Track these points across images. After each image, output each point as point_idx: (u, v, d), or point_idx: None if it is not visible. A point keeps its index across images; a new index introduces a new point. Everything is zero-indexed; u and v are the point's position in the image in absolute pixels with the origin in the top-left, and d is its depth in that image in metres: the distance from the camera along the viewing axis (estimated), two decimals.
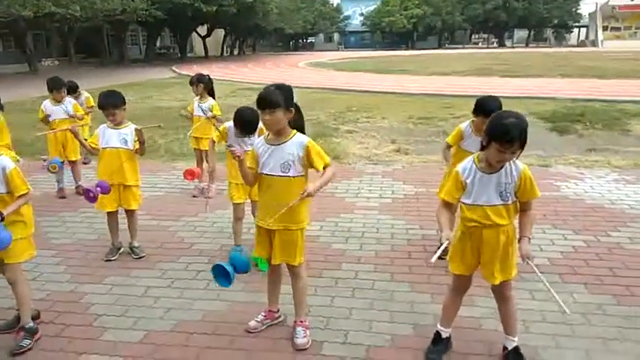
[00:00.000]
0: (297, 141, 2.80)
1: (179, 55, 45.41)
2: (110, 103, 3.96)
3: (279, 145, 2.81)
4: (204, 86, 5.74)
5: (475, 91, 12.64)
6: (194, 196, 5.79)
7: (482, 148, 2.54)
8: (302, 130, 2.91)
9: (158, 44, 52.22)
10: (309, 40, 79.17)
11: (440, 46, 68.25)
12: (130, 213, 4.29)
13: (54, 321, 3.27)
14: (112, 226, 4.28)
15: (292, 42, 73.40)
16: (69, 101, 6.02)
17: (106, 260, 4.16)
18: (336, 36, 79.37)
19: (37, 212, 5.38)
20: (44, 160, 4.81)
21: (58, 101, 5.93)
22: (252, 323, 3.14)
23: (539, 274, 2.46)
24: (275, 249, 2.95)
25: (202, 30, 46.57)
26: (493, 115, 2.53)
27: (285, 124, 2.79)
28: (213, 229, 4.83)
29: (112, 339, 3.07)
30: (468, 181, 2.60)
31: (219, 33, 49.84)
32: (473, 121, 3.83)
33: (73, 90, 6.81)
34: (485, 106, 3.59)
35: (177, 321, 3.26)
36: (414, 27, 64.74)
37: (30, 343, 2.93)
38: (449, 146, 4.05)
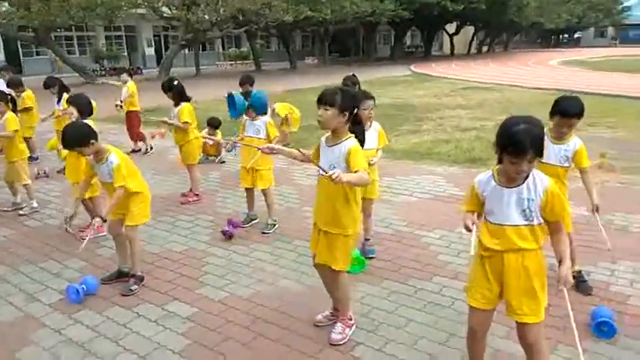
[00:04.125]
0: (345, 144, 2.82)
1: (424, 53, 46.17)
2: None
3: (331, 146, 2.88)
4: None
5: None
6: None
7: (499, 160, 2.22)
8: (359, 136, 2.91)
9: (408, 43, 54.16)
10: (575, 36, 70.48)
11: None
12: (262, 192, 4.93)
13: (176, 270, 4.09)
14: (249, 199, 5.05)
15: (553, 38, 66.49)
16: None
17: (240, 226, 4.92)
18: (609, 30, 68.53)
19: (221, 186, 6.61)
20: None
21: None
22: (318, 317, 3.26)
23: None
24: (319, 249, 3.01)
25: (451, 28, 46.30)
26: (502, 123, 2.21)
27: (338, 125, 2.82)
28: None
29: (202, 293, 3.70)
30: (485, 194, 2.33)
31: (469, 30, 48.68)
32: (550, 128, 3.31)
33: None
34: (560, 105, 3.20)
35: (257, 292, 3.70)
36: None
37: (137, 288, 3.74)
38: None
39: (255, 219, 5.06)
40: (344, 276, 3.08)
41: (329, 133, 2.92)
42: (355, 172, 2.72)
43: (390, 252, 4.34)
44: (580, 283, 3.56)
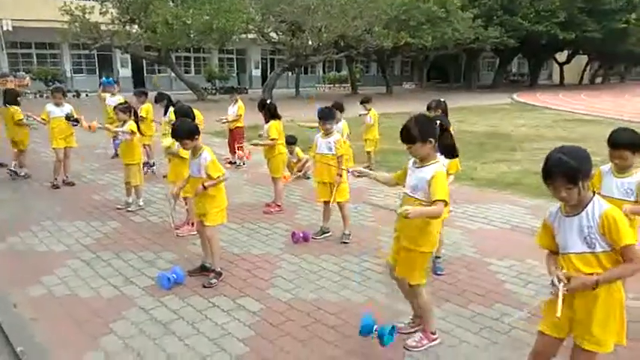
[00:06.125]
0: (431, 168, 2.99)
1: (530, 82, 44.11)
2: (325, 117, 5.07)
3: (419, 167, 3.06)
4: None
5: None
6: None
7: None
8: (452, 150, 3.13)
9: (514, 71, 52.13)
10: None
11: None
12: (339, 205, 5.24)
13: (251, 270, 4.49)
14: (325, 212, 5.38)
15: None
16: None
17: (312, 237, 5.26)
18: None
19: (301, 200, 6.97)
20: None
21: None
22: (400, 325, 3.42)
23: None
24: (399, 263, 3.19)
25: (562, 56, 43.93)
26: None
27: (427, 152, 3.00)
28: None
29: (270, 293, 4.04)
30: (554, 224, 2.44)
31: (582, 59, 45.81)
32: None
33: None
34: (610, 136, 3.23)
35: (319, 298, 3.96)
36: None
37: (216, 282, 4.18)
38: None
39: (327, 232, 5.35)
40: (422, 289, 3.22)
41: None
42: (433, 202, 2.91)
43: (455, 276, 4.39)
44: None
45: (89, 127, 6.80)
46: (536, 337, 2.59)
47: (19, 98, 8.14)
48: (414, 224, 3.01)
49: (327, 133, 5.13)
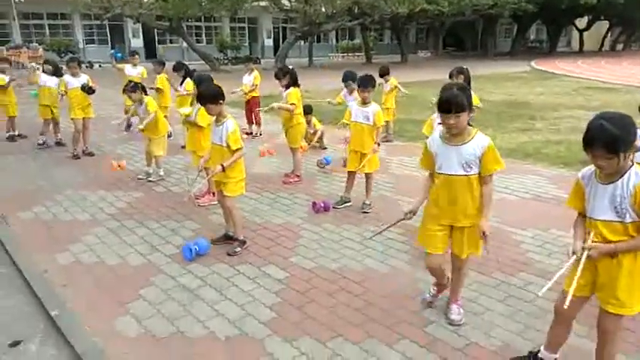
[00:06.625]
0: (479, 142, 2.85)
1: (549, 49, 42.99)
2: (364, 85, 4.96)
3: (460, 145, 2.86)
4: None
5: None
6: None
7: None
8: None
9: (533, 37, 50.76)
10: None
11: None
12: (366, 175, 5.27)
13: (274, 239, 4.53)
14: (349, 182, 5.38)
15: None
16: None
17: (333, 207, 5.28)
18: None
19: (320, 170, 6.94)
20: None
21: None
22: (427, 297, 3.42)
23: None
24: (457, 244, 3.08)
25: (582, 23, 42.59)
26: None
27: (466, 123, 2.85)
28: None
29: (294, 261, 4.09)
30: (587, 189, 2.41)
31: (603, 26, 44.38)
32: None
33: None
34: None
35: (343, 266, 4.00)
36: None
37: (240, 250, 4.23)
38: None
39: (348, 202, 5.36)
40: (466, 263, 3.19)
41: (442, 132, 2.96)
42: (489, 175, 2.91)
43: None
44: None
45: (119, 166, 6.81)
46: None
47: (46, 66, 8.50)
48: (475, 204, 2.93)
49: (365, 102, 5.03)
